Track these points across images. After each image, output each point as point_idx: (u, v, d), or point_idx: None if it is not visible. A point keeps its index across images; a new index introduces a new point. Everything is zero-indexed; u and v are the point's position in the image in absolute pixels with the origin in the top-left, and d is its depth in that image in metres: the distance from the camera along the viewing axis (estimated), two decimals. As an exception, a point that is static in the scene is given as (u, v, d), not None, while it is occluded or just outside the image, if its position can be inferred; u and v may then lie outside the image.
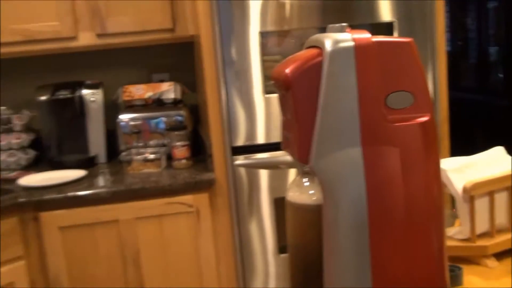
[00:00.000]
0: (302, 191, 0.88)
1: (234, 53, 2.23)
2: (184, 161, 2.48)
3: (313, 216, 0.83)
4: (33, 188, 2.32)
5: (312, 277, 0.85)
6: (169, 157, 2.52)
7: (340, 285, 0.79)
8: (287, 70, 0.80)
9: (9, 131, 2.69)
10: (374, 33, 0.82)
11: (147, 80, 2.85)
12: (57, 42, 2.52)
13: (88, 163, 2.64)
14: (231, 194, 2.31)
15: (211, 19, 2.22)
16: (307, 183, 0.88)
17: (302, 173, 0.89)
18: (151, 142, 2.60)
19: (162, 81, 2.80)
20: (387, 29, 2.30)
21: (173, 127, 2.55)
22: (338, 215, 0.78)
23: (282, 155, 2.18)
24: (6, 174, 2.52)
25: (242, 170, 2.30)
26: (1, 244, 2.15)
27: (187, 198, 2.30)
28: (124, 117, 2.62)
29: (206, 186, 2.32)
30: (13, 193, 2.27)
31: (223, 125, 2.28)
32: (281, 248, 2.34)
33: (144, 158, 2.48)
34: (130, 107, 2.68)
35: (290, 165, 1.99)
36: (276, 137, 2.27)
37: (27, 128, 2.73)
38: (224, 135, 2.29)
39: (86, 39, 2.53)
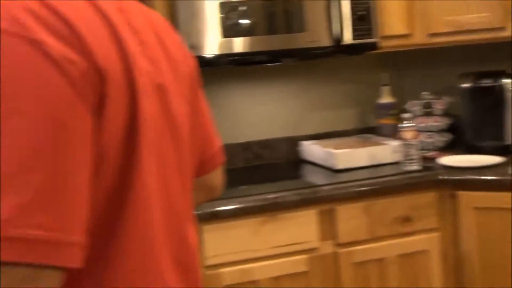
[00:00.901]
0: None
1: None
2: None
3: None
4: (452, 167, 2.50)
5: None
6: None
7: None
8: None
9: (429, 114, 2.92)
10: None
11: None
12: (486, 32, 2.61)
13: (504, 150, 2.69)
14: None
15: None
16: None
17: None
18: None
19: None
20: None
21: None
22: None
23: None
24: (424, 153, 2.77)
25: None
26: (418, 215, 2.40)
27: None
28: (545, 108, 2.60)
29: None
30: (433, 171, 2.50)
31: None
32: None
33: None
34: (553, 98, 2.64)
35: None
36: None
37: (446, 113, 2.93)
38: None
39: (515, 29, 2.58)
